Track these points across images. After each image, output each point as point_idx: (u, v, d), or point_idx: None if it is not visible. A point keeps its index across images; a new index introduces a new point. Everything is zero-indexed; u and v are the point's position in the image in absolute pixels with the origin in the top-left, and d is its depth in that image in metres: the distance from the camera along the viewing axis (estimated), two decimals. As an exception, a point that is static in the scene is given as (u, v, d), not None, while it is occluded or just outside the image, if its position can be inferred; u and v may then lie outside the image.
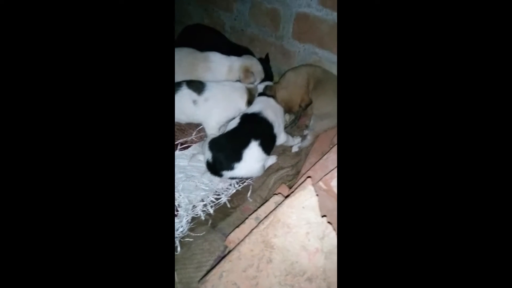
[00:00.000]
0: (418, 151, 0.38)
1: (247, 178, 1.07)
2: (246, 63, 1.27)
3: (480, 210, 0.35)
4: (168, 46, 0.43)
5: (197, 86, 1.12)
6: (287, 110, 1.19)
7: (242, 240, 0.63)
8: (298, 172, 1.12)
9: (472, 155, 0.36)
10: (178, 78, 1.14)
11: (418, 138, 0.38)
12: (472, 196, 0.35)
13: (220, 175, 1.02)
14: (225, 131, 1.03)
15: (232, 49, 1.35)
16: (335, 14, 1.06)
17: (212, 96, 1.12)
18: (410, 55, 0.39)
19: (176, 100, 1.05)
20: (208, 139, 1.03)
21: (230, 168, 0.97)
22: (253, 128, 1.02)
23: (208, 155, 0.97)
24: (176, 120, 1.15)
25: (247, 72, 1.25)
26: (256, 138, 0.99)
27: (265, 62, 1.34)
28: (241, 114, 1.08)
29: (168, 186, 0.41)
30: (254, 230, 0.64)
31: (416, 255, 0.36)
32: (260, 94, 1.18)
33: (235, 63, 1.26)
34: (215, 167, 0.98)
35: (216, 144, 0.98)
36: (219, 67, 1.24)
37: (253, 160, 1.00)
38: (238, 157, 0.96)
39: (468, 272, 0.35)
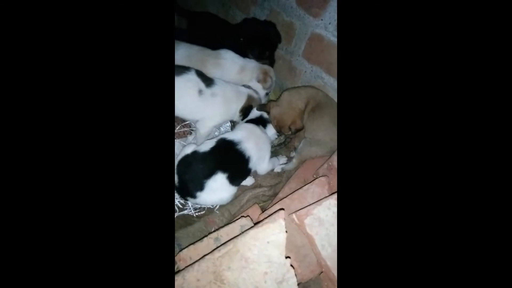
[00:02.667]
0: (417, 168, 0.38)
1: None
2: (264, 67, 1.22)
3: (475, 205, 0.35)
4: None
5: (207, 78, 1.02)
6: (277, 130, 1.14)
7: (191, 264, 0.55)
8: (275, 194, 1.05)
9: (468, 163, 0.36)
10: None
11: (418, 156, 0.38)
12: (471, 196, 0.36)
13: (186, 200, 0.95)
14: (198, 151, 0.93)
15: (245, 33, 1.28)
16: (350, 43, 1.02)
17: (220, 93, 1.03)
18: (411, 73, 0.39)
19: (179, 84, 0.93)
20: (189, 147, 0.95)
21: (193, 196, 0.90)
22: (225, 158, 0.93)
23: (176, 177, 0.90)
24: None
25: (266, 75, 1.19)
26: (224, 170, 0.90)
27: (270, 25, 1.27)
28: (219, 137, 0.98)
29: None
30: (207, 256, 0.56)
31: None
32: (249, 121, 1.11)
33: (249, 64, 1.21)
34: (182, 192, 0.92)
35: (183, 167, 0.90)
36: (229, 65, 1.18)
37: (217, 192, 0.92)
38: (200, 187, 0.89)
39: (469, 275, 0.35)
